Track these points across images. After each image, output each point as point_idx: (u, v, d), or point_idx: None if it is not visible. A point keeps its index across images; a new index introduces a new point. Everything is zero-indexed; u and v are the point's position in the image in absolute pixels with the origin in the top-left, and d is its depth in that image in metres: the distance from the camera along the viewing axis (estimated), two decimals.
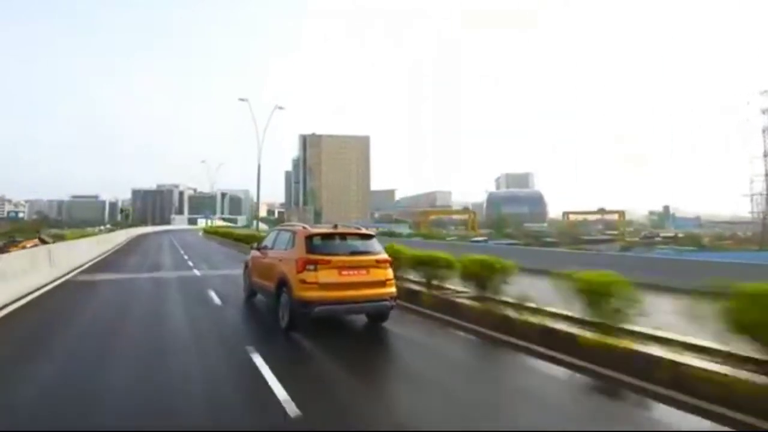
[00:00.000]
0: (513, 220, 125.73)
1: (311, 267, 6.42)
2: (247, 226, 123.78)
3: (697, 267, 11.16)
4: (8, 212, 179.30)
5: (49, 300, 9.29)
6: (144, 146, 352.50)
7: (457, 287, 8.35)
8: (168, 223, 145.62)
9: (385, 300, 6.72)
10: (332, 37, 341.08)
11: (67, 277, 12.57)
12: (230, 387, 4.59)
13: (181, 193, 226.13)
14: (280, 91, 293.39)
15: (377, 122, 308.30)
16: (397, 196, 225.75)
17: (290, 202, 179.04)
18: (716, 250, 42.04)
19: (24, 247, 21.64)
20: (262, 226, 58.52)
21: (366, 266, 6.68)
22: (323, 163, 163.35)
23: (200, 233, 65.56)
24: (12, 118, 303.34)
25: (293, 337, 6.49)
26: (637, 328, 5.20)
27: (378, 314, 7.12)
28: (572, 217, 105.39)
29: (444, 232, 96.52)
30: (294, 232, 7.24)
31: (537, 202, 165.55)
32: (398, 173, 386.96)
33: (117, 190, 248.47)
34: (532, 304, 6.54)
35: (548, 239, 61.49)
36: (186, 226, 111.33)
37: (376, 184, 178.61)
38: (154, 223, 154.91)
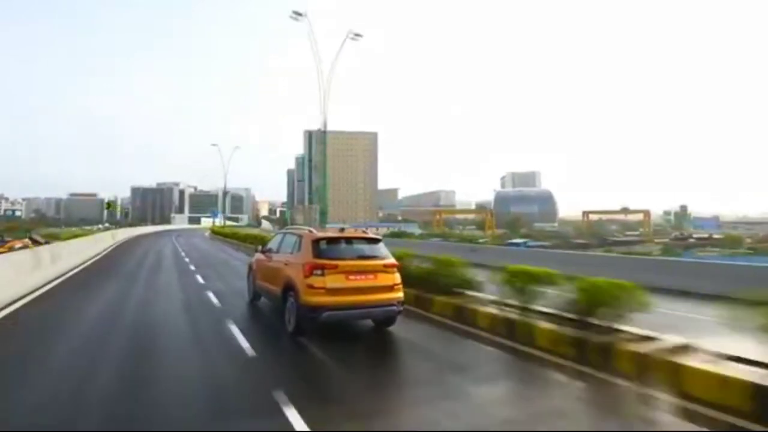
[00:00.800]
0: (523, 220, 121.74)
1: (318, 272, 6.33)
2: (250, 225, 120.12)
3: None
4: (5, 210, 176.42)
5: None
6: (144, 145, 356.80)
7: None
8: (168, 222, 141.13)
9: (393, 305, 6.65)
10: (332, 36, 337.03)
11: None
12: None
13: (181, 192, 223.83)
14: (280, 90, 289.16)
15: (377, 122, 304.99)
16: (400, 196, 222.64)
17: (293, 200, 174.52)
18: None
19: (12, 248, 20.24)
20: (266, 225, 55.40)
21: (374, 271, 6.59)
22: (329, 160, 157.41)
23: (206, 233, 58.69)
24: (12, 117, 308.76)
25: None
26: None
27: (385, 319, 7.01)
28: (592, 216, 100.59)
29: (457, 232, 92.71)
30: (300, 236, 7.17)
31: (546, 201, 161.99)
32: (400, 172, 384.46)
33: (117, 189, 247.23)
34: None
35: (577, 241, 57.33)
36: (187, 225, 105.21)
37: (379, 183, 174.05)
38: (154, 223, 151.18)
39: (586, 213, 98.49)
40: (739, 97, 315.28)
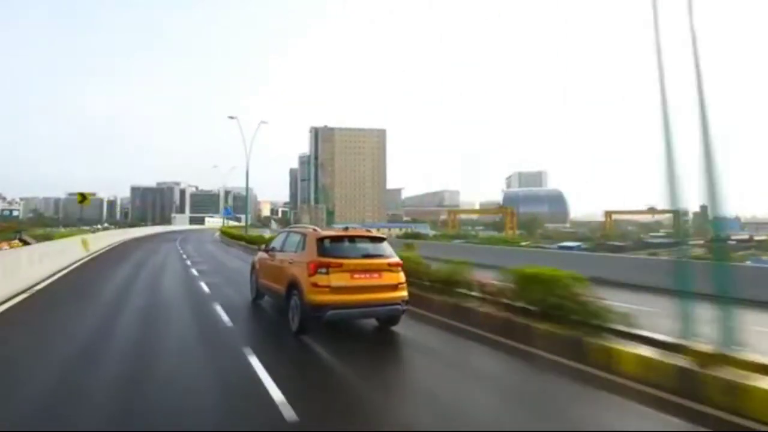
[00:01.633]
0: (539, 220, 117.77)
1: (323, 270, 6.37)
2: (253, 226, 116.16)
3: None
4: (2, 210, 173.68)
5: None
6: (144, 145, 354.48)
7: None
8: (169, 222, 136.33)
9: (397, 304, 6.70)
10: (333, 33, 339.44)
11: None
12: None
13: (182, 191, 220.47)
14: (281, 88, 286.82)
15: (378, 122, 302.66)
16: (403, 195, 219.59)
17: (296, 200, 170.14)
18: None
19: None
20: (274, 226, 49.39)
21: (378, 269, 6.63)
22: (336, 158, 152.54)
23: (215, 234, 53.06)
24: (11, 117, 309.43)
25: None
26: None
27: (389, 318, 7.09)
28: (615, 216, 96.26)
29: (472, 233, 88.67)
30: (305, 235, 7.22)
31: (557, 201, 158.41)
32: (403, 173, 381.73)
33: (117, 189, 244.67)
34: None
35: (614, 243, 53.14)
36: (189, 226, 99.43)
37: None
38: (154, 223, 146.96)
39: (608, 213, 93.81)
40: (742, 96, 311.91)
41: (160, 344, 6.09)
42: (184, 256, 20.96)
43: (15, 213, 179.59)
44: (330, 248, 6.70)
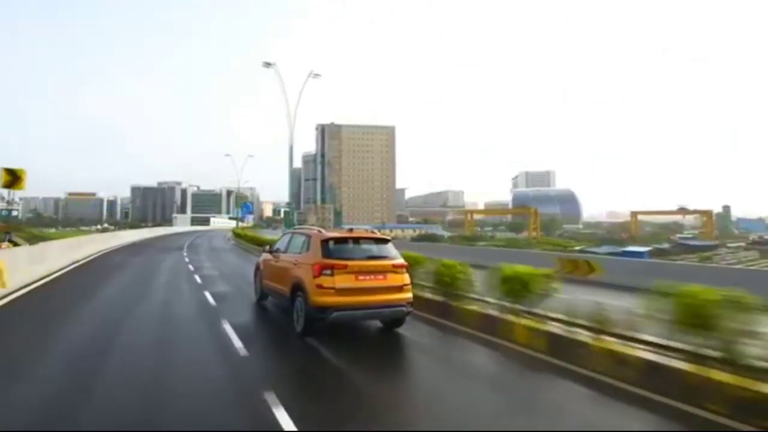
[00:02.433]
0: (558, 221, 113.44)
1: (328, 272, 6.44)
2: (257, 227, 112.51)
3: None
4: (1, 210, 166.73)
5: None
6: (145, 145, 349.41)
7: None
8: (170, 222, 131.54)
9: (402, 305, 6.77)
10: (332, 34, 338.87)
11: None
12: None
13: (183, 191, 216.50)
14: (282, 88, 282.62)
15: (380, 121, 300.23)
16: (407, 196, 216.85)
17: (299, 200, 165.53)
18: None
19: None
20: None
21: (383, 271, 6.70)
22: (343, 156, 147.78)
23: (228, 235, 47.03)
24: (11, 117, 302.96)
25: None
26: None
27: (394, 320, 7.12)
28: (641, 217, 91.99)
29: (489, 235, 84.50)
30: (309, 236, 7.30)
31: (569, 201, 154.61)
32: (405, 173, 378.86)
33: (117, 188, 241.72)
34: None
35: (658, 246, 48.92)
36: (191, 227, 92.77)
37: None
38: (155, 223, 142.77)
39: (634, 213, 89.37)
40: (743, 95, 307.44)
41: None
42: (205, 293, 10.39)
43: (14, 213, 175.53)
44: (334, 250, 6.73)
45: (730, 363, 4.19)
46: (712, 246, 55.04)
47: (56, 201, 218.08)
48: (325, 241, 6.78)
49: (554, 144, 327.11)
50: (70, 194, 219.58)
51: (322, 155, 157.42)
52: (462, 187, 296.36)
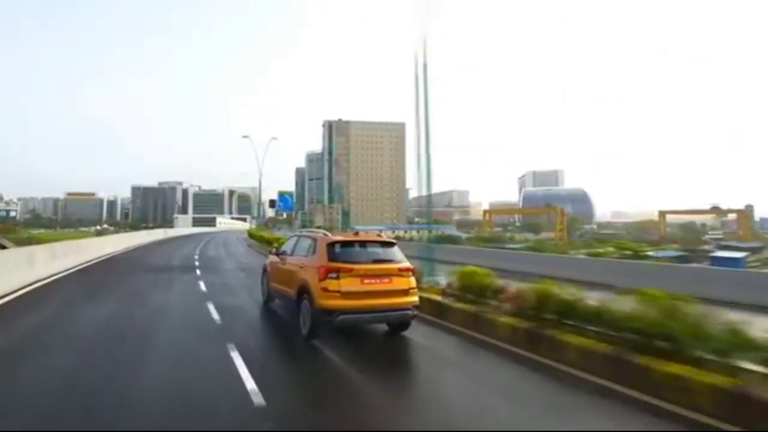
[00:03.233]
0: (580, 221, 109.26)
1: (333, 275, 6.52)
2: (261, 228, 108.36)
3: None
4: None
5: None
6: (145, 145, 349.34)
7: None
8: (170, 224, 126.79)
9: (408, 309, 6.84)
10: (332, 34, 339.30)
11: None
12: None
13: (184, 191, 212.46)
14: (282, 88, 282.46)
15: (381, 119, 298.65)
16: (410, 196, 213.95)
17: (302, 201, 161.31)
18: None
19: None
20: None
21: (389, 275, 6.77)
22: (351, 154, 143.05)
23: (242, 237, 39.99)
24: (11, 117, 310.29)
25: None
26: None
27: (400, 324, 7.25)
28: (669, 217, 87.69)
29: (508, 236, 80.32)
30: (315, 239, 7.42)
31: (581, 200, 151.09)
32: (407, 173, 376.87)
33: (117, 188, 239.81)
34: None
35: (703, 248, 44.88)
36: (193, 229, 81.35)
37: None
38: (155, 224, 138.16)
39: (662, 213, 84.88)
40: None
41: None
42: None
43: (12, 214, 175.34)
44: (340, 253, 6.81)
45: None
46: (757, 248, 50.99)
47: (55, 201, 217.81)
48: (330, 245, 6.88)
49: (555, 144, 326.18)
50: (69, 194, 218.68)
51: (330, 153, 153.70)
52: (465, 187, 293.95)
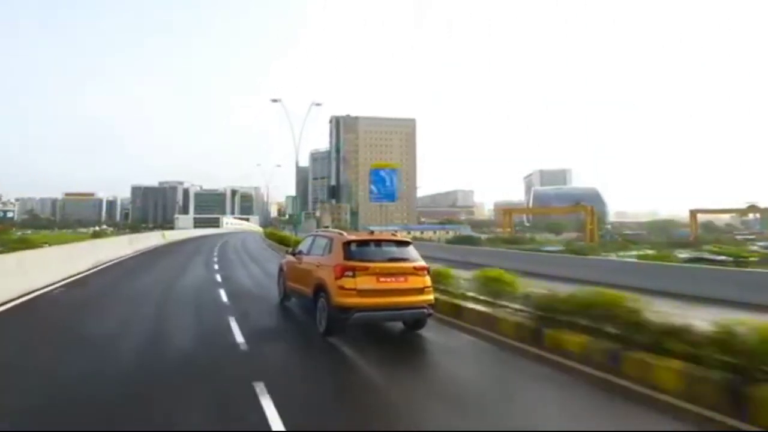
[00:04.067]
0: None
1: (349, 273, 6.64)
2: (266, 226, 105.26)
3: None
4: None
5: None
6: (145, 145, 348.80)
7: None
8: (171, 224, 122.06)
9: (423, 307, 6.95)
10: (332, 35, 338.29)
11: None
12: None
13: (185, 191, 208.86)
14: (281, 87, 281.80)
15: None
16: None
17: (306, 200, 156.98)
18: None
19: None
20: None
21: (404, 273, 6.89)
22: (360, 152, 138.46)
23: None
24: (10, 117, 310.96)
25: None
26: None
27: (415, 322, 7.40)
28: (700, 216, 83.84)
29: (528, 236, 76.27)
30: (331, 239, 7.57)
31: (594, 200, 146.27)
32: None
33: (117, 188, 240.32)
34: None
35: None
36: (195, 232, 56.46)
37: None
38: (155, 224, 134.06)
39: (693, 212, 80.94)
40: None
41: None
42: None
43: (9, 214, 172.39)
44: (356, 252, 6.94)
45: None
46: None
47: (54, 202, 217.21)
48: (346, 243, 7.03)
49: (556, 144, 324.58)
50: (68, 194, 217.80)
51: (337, 150, 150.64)
52: (470, 186, 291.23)
